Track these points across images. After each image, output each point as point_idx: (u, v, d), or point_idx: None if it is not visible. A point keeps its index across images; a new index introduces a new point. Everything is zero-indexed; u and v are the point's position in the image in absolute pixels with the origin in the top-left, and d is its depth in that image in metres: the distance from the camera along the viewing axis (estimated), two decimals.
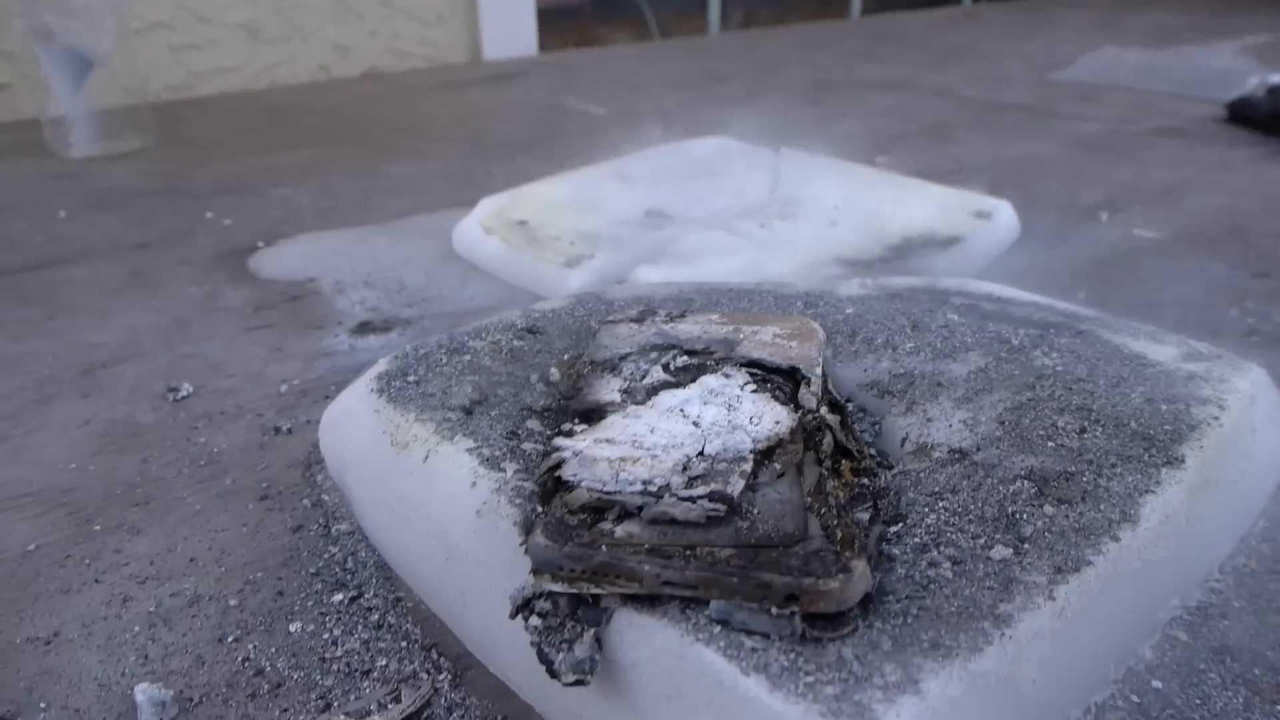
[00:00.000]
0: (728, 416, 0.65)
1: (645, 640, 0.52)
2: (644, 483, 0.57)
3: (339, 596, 0.71)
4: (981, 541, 0.57)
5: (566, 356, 0.80)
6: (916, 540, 0.57)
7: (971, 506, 0.60)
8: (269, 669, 0.65)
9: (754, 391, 0.69)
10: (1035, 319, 0.85)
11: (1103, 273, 1.30)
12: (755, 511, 0.56)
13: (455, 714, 0.61)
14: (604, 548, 0.54)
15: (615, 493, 0.57)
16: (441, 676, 0.64)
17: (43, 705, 0.62)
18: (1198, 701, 0.61)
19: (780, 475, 0.60)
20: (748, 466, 0.59)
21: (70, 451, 0.90)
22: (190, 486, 0.84)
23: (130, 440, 0.92)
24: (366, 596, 0.71)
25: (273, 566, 0.74)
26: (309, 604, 0.70)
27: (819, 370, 0.72)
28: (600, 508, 0.57)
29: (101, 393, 1.00)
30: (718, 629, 0.51)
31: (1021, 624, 0.51)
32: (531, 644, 0.55)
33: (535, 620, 0.55)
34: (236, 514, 0.81)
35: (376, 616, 0.69)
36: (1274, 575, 0.71)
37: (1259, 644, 0.65)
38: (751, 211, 1.35)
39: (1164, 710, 0.60)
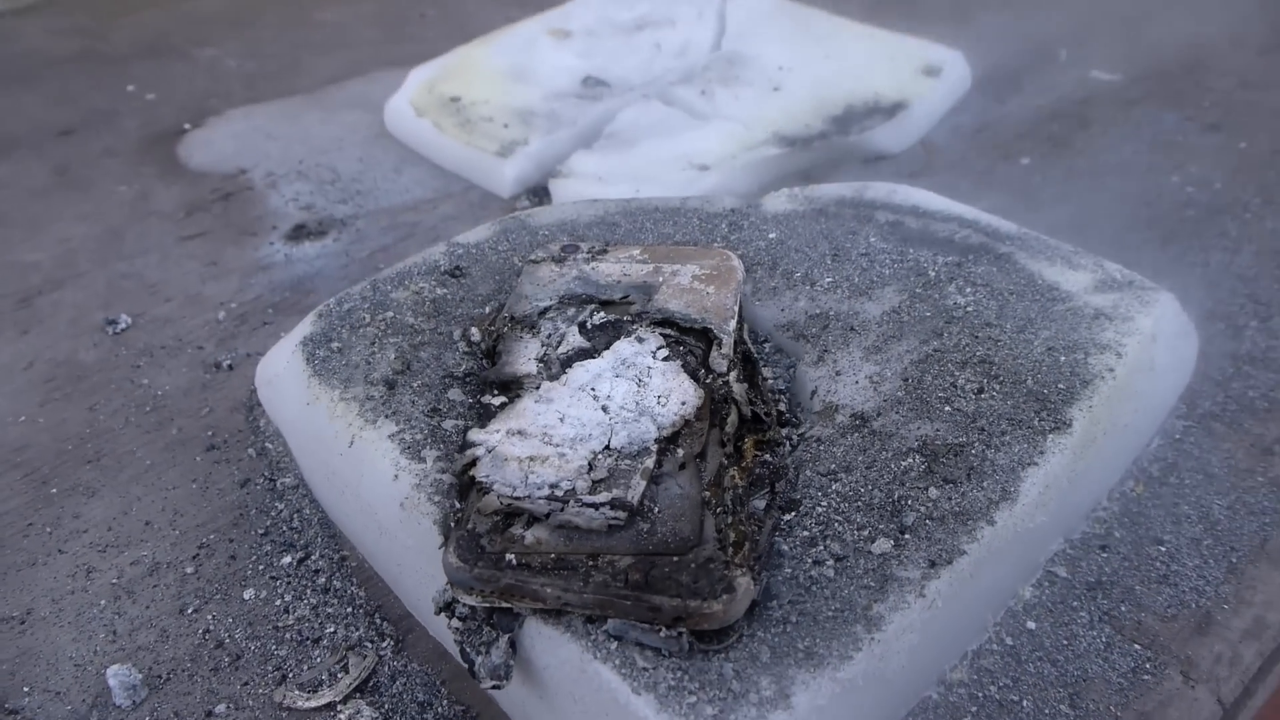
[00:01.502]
0: (636, 396, 0.67)
1: (552, 650, 0.57)
2: (551, 486, 0.60)
3: (288, 559, 0.76)
4: (865, 534, 0.61)
5: (488, 309, 0.81)
6: (806, 534, 0.61)
7: (862, 490, 0.64)
8: (228, 640, 0.71)
9: (666, 359, 0.71)
10: (957, 240, 0.85)
11: (1050, 130, 1.27)
12: (655, 510, 0.60)
13: (399, 681, 0.68)
14: (512, 560, 0.58)
15: (524, 498, 0.60)
16: (385, 644, 0.70)
17: (26, 689, 0.68)
18: (1064, 642, 0.67)
19: (682, 467, 0.63)
20: (650, 462, 0.62)
21: (17, 401, 0.92)
22: (138, 438, 0.88)
23: (75, 385, 0.94)
24: (313, 558, 0.76)
25: (224, 527, 0.79)
26: (260, 568, 0.76)
27: (732, 325, 0.74)
28: (511, 512, 0.61)
29: (41, 327, 1.01)
30: (614, 645, 0.56)
31: (891, 625, 0.56)
32: (455, 642, 0.60)
33: (456, 622, 0.61)
34: (185, 469, 0.84)
35: (324, 580, 0.75)
36: (1156, 501, 0.77)
37: (1130, 577, 0.71)
38: (693, 74, 1.30)
39: (1033, 652, 0.67)
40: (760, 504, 0.64)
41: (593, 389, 0.68)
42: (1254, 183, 1.14)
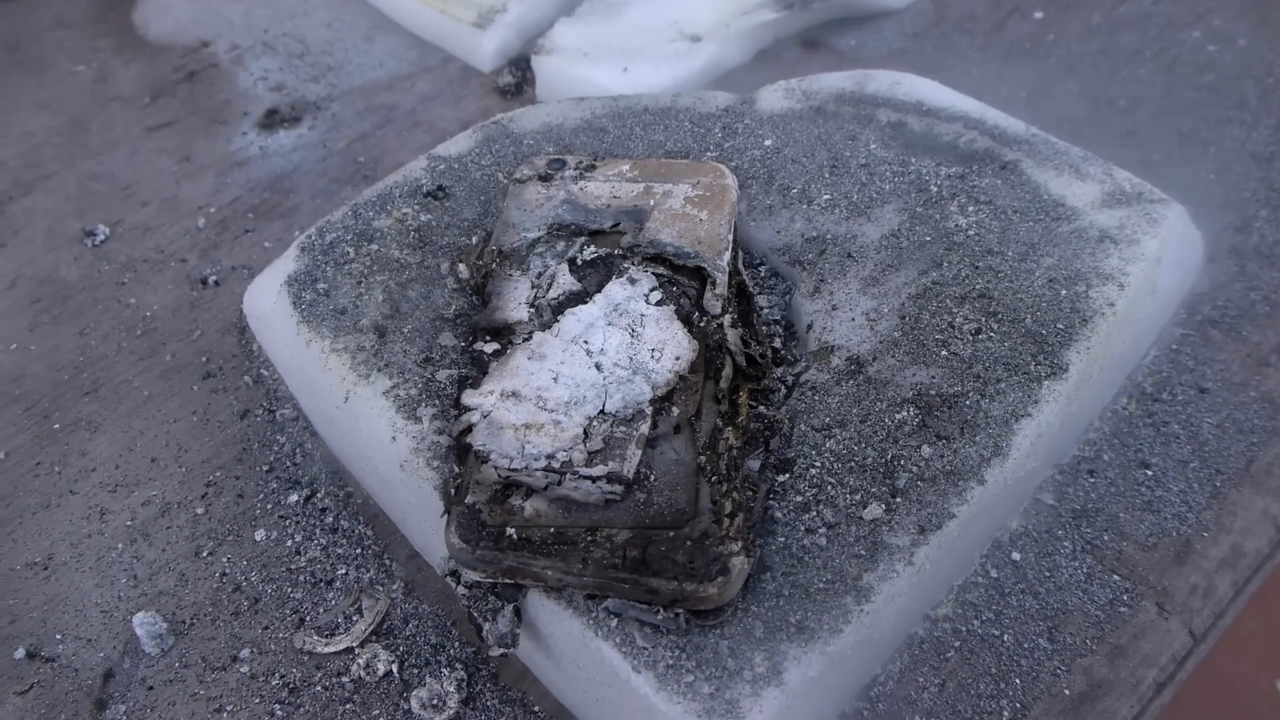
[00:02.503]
0: (630, 350, 0.67)
1: (556, 622, 0.60)
2: (548, 458, 0.61)
3: (294, 497, 0.78)
4: (858, 498, 0.62)
5: (474, 240, 0.79)
6: (800, 498, 0.63)
7: (856, 449, 0.64)
8: (244, 584, 0.74)
9: (659, 303, 0.70)
10: (961, 146, 0.81)
11: None
12: (652, 479, 0.61)
13: (411, 624, 0.71)
14: (512, 535, 0.60)
15: (522, 470, 0.61)
16: (395, 586, 0.73)
17: (58, 637, 0.72)
18: (1047, 573, 0.70)
19: (677, 430, 0.63)
20: (645, 428, 0.63)
21: (6, 325, 0.91)
22: (133, 365, 0.87)
23: (62, 306, 0.92)
24: (319, 496, 0.78)
25: (228, 463, 0.80)
26: (269, 507, 0.78)
27: (726, 259, 0.72)
28: (510, 485, 0.62)
29: (18, 238, 0.99)
30: (614, 622, 0.58)
31: (880, 595, 0.59)
32: (463, 607, 0.63)
33: (462, 589, 0.63)
34: (184, 399, 0.85)
35: (331, 519, 0.77)
36: (1148, 420, 0.78)
37: (1114, 504, 0.73)
38: None
39: (1017, 584, 0.70)
40: (755, 464, 0.65)
41: (585, 341, 0.67)
42: None
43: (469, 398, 0.66)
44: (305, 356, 0.73)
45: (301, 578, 0.74)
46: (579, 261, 0.74)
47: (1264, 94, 1.02)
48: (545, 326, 0.69)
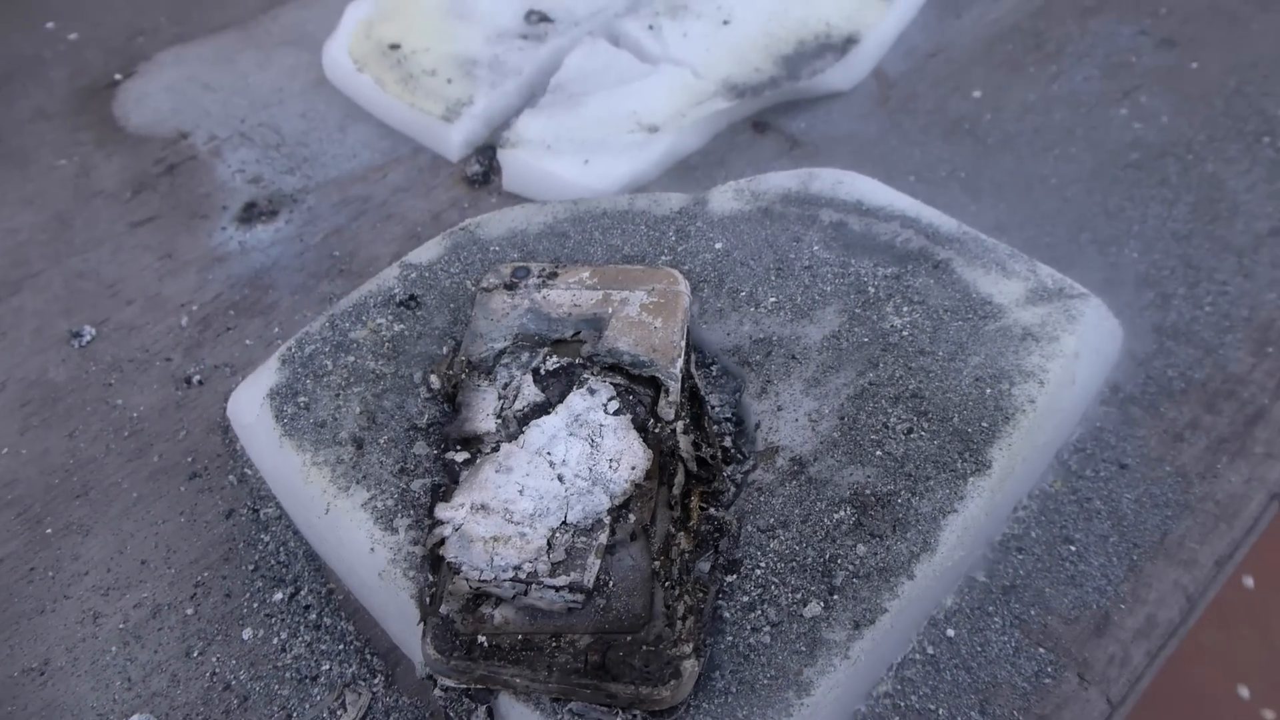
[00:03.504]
0: (590, 461, 0.72)
1: None
2: (515, 569, 0.67)
3: (279, 595, 0.83)
4: (799, 597, 0.68)
5: (445, 350, 0.84)
6: (746, 598, 0.68)
7: (797, 549, 0.70)
8: (234, 682, 0.79)
9: (617, 412, 0.75)
10: (897, 246, 0.88)
11: (1005, 53, 1.25)
12: (610, 585, 0.67)
13: (392, 716, 0.76)
14: (483, 643, 0.65)
15: (491, 580, 0.67)
16: (376, 680, 0.78)
17: None
18: (979, 648, 0.76)
19: (633, 537, 0.69)
20: (603, 538, 0.68)
21: None
22: (122, 467, 0.92)
23: (52, 408, 0.97)
24: (302, 593, 0.83)
25: (215, 563, 0.85)
26: (254, 605, 0.83)
27: (679, 366, 0.78)
28: (480, 595, 0.67)
29: (6, 340, 1.03)
30: None
31: (819, 688, 0.64)
32: (440, 709, 0.68)
33: (439, 691, 0.68)
34: (171, 500, 0.89)
35: (314, 615, 0.82)
36: (1072, 497, 0.84)
37: (1041, 579, 0.79)
38: (640, 3, 1.26)
39: (951, 659, 0.76)
40: (705, 566, 0.71)
41: (549, 453, 0.73)
42: (1200, 115, 1.15)
43: (441, 511, 0.71)
44: (288, 468, 0.79)
45: (288, 675, 0.79)
46: (542, 371, 0.79)
47: (1184, 170, 1.09)
48: (511, 438, 0.75)
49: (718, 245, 0.89)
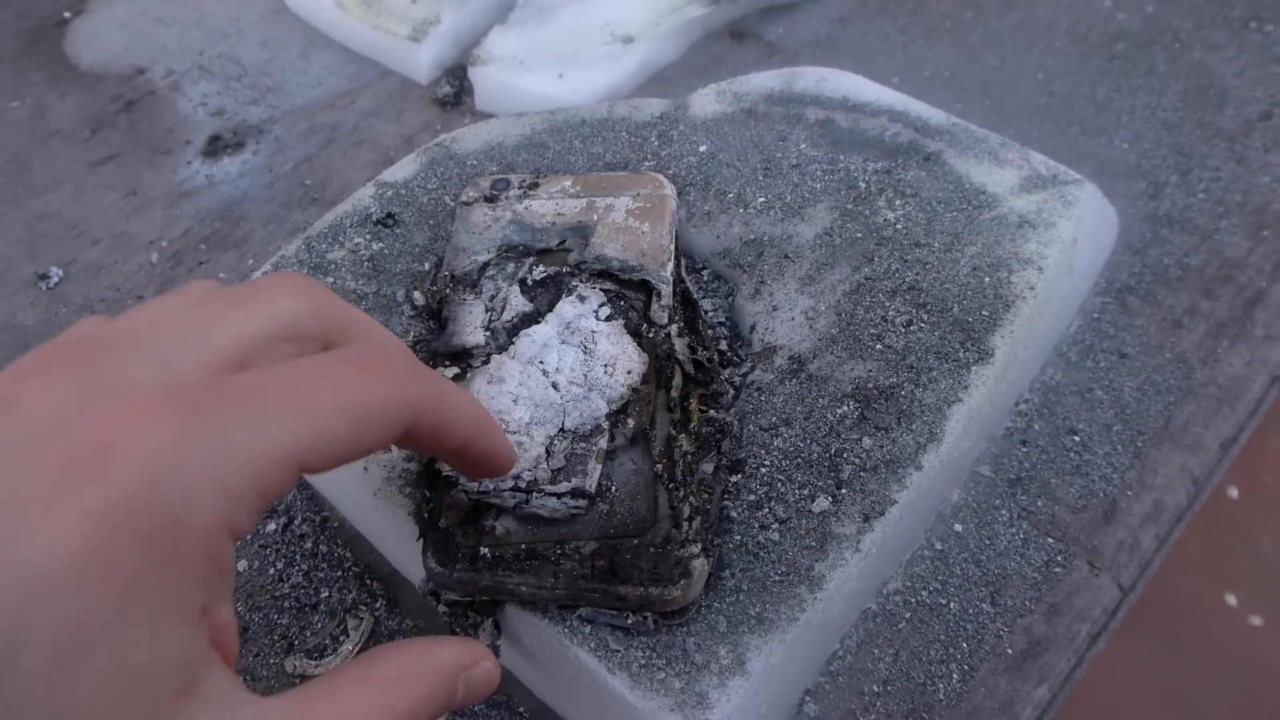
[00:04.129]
0: (584, 368, 0.70)
1: (534, 632, 0.64)
2: (514, 478, 0.65)
3: (272, 525, 0.81)
4: (806, 493, 0.67)
5: (427, 265, 0.81)
6: (752, 497, 0.67)
7: (801, 446, 0.69)
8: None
9: (609, 318, 0.73)
10: (886, 140, 0.85)
11: None
12: (613, 490, 0.65)
13: (396, 640, 0.75)
14: (486, 554, 0.63)
15: (490, 492, 0.65)
16: (378, 605, 0.77)
17: None
18: (987, 541, 0.75)
19: (633, 441, 0.67)
20: (603, 443, 0.66)
21: None
22: None
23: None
24: (296, 523, 0.81)
25: None
26: (248, 537, 0.81)
27: (669, 270, 0.76)
28: (483, 508, 0.65)
29: None
30: (588, 629, 0.62)
31: (831, 582, 0.63)
32: (445, 624, 0.67)
33: (443, 607, 0.67)
34: None
35: (310, 544, 0.80)
36: (1073, 388, 0.83)
37: (1046, 470, 0.79)
38: None
39: (960, 554, 0.75)
40: (709, 468, 0.69)
41: (541, 362, 0.71)
42: (1185, 3, 1.12)
43: None
44: None
45: (286, 604, 0.77)
46: (529, 281, 0.77)
47: (1171, 59, 1.07)
48: (501, 349, 0.73)
49: (702, 148, 0.87)
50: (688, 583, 0.61)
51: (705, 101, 0.91)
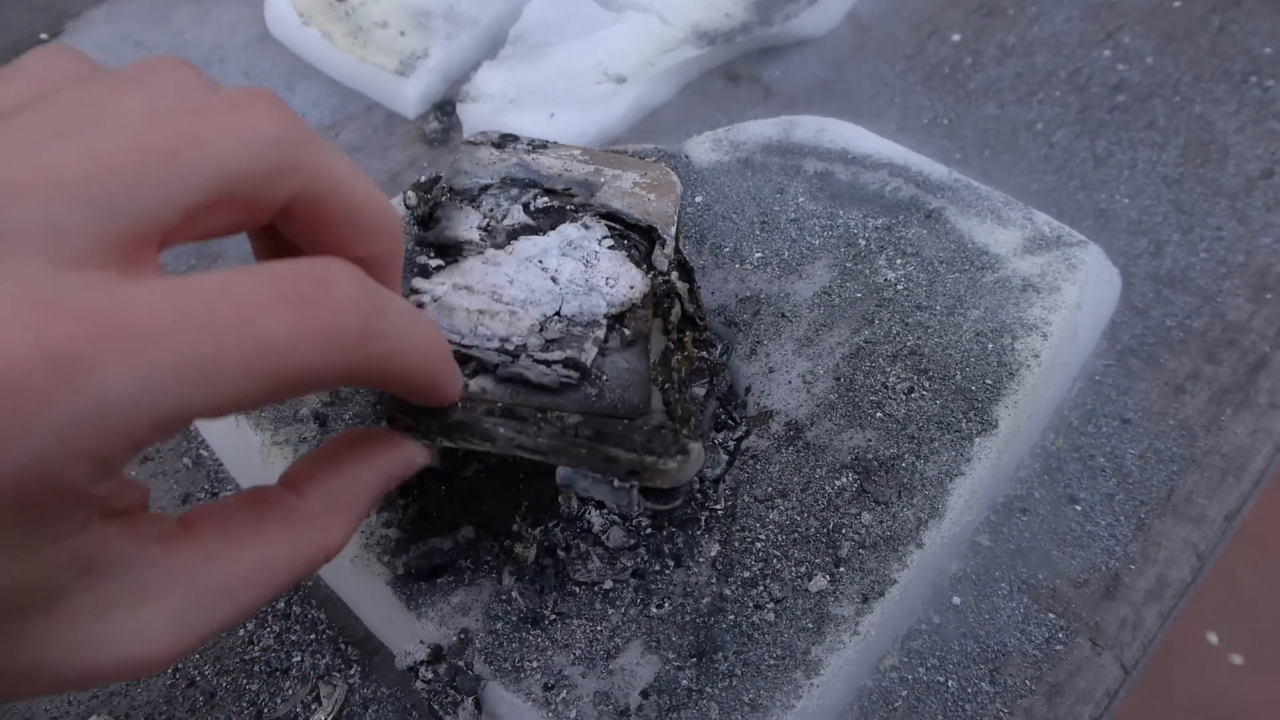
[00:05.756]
0: (584, 274, 0.65)
1: (516, 714, 0.61)
2: (501, 340, 0.59)
3: None
4: (803, 570, 0.64)
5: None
6: (747, 574, 0.64)
7: (799, 520, 0.66)
8: (198, 678, 0.73)
9: (611, 248, 0.68)
10: (887, 195, 0.83)
11: None
12: (605, 379, 0.60)
13: (371, 709, 0.72)
14: (460, 404, 0.56)
15: (473, 347, 0.58)
16: (352, 671, 0.73)
17: None
18: (986, 616, 0.73)
19: (630, 343, 0.63)
20: (601, 333, 0.61)
21: None
22: None
23: None
24: None
25: None
26: None
27: (673, 231, 0.71)
28: (458, 359, 0.57)
29: None
30: (574, 714, 0.59)
31: (829, 667, 0.61)
32: (423, 700, 0.64)
33: (421, 684, 0.63)
34: None
35: (282, 604, 0.77)
36: (1075, 454, 0.81)
37: (1047, 541, 0.76)
38: None
39: (958, 628, 0.72)
40: (700, 391, 0.65)
41: (540, 261, 0.66)
42: (1185, 55, 1.11)
43: (418, 282, 0.62)
44: (246, 449, 0.73)
45: (256, 668, 0.73)
46: (532, 207, 0.71)
47: (1172, 113, 1.05)
48: (499, 247, 0.66)
49: (698, 199, 0.84)
50: (684, 460, 0.56)
51: (701, 150, 0.88)
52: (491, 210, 0.70)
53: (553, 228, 0.69)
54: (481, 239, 0.67)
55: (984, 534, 0.76)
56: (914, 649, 0.71)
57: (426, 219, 0.71)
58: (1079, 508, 0.77)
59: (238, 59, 1.18)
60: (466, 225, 0.68)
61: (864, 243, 0.79)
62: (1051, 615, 0.72)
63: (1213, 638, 2.01)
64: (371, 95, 1.11)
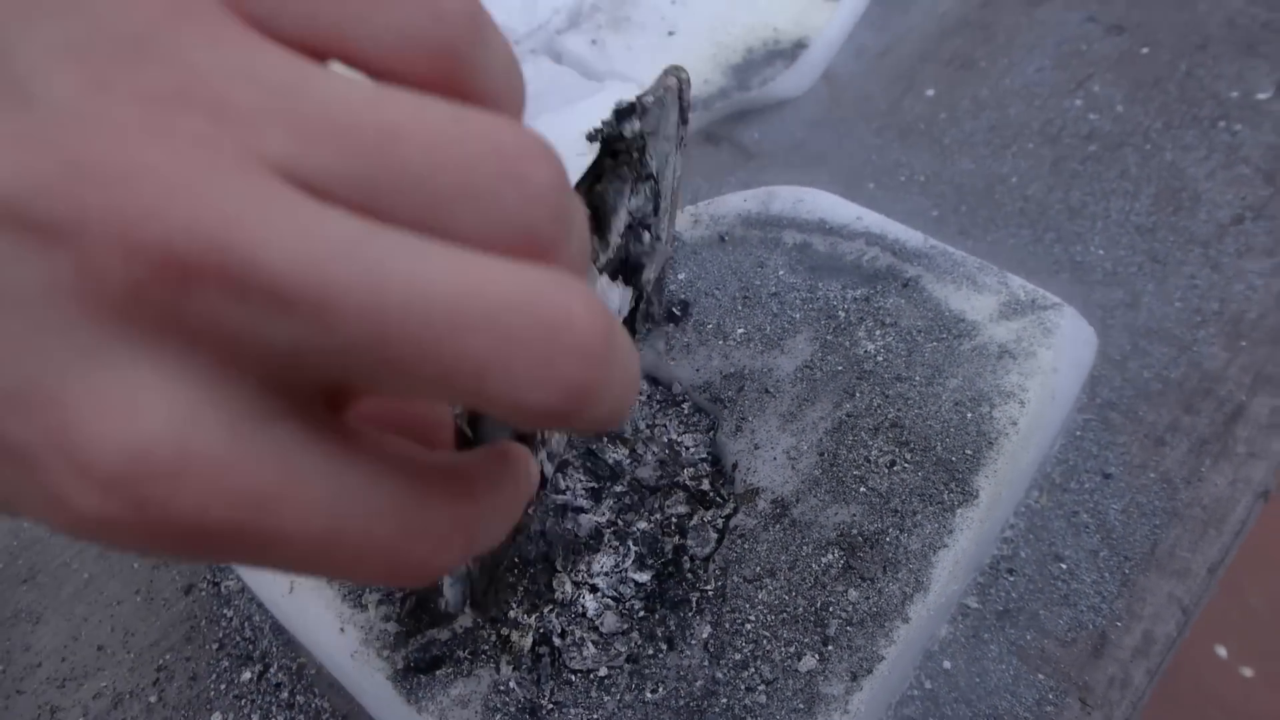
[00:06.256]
0: None
1: None
2: None
3: (247, 674, 0.79)
4: (792, 650, 0.65)
5: None
6: (738, 656, 0.66)
7: (787, 599, 0.68)
8: None
9: None
10: (864, 266, 0.85)
11: (954, 48, 1.23)
12: None
13: None
14: None
15: None
16: None
17: None
18: (977, 679, 0.74)
19: None
20: None
21: None
22: (69, 547, 0.87)
23: None
24: (272, 671, 0.79)
25: (178, 644, 0.81)
26: (222, 687, 0.78)
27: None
28: None
29: None
30: None
31: None
32: None
33: None
34: (125, 579, 0.85)
35: (286, 694, 0.78)
36: (1059, 511, 0.82)
37: (1034, 601, 0.78)
38: (580, 16, 1.22)
39: (950, 693, 0.74)
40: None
41: None
42: (1155, 102, 1.13)
43: None
44: None
45: None
46: None
47: (1143, 161, 1.08)
48: None
49: (680, 276, 0.86)
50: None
51: (681, 225, 0.91)
52: None
53: None
54: None
55: (972, 596, 0.77)
56: (907, 716, 0.72)
57: None
58: (1064, 565, 0.79)
59: None
60: None
61: (844, 314, 0.81)
62: (1041, 676, 0.74)
63: (1222, 651, 2.01)
64: None
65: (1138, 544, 0.80)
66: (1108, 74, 1.17)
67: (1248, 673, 1.96)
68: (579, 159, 1.07)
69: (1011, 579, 0.78)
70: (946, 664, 0.75)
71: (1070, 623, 0.76)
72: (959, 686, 0.73)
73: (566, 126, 1.09)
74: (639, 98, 0.61)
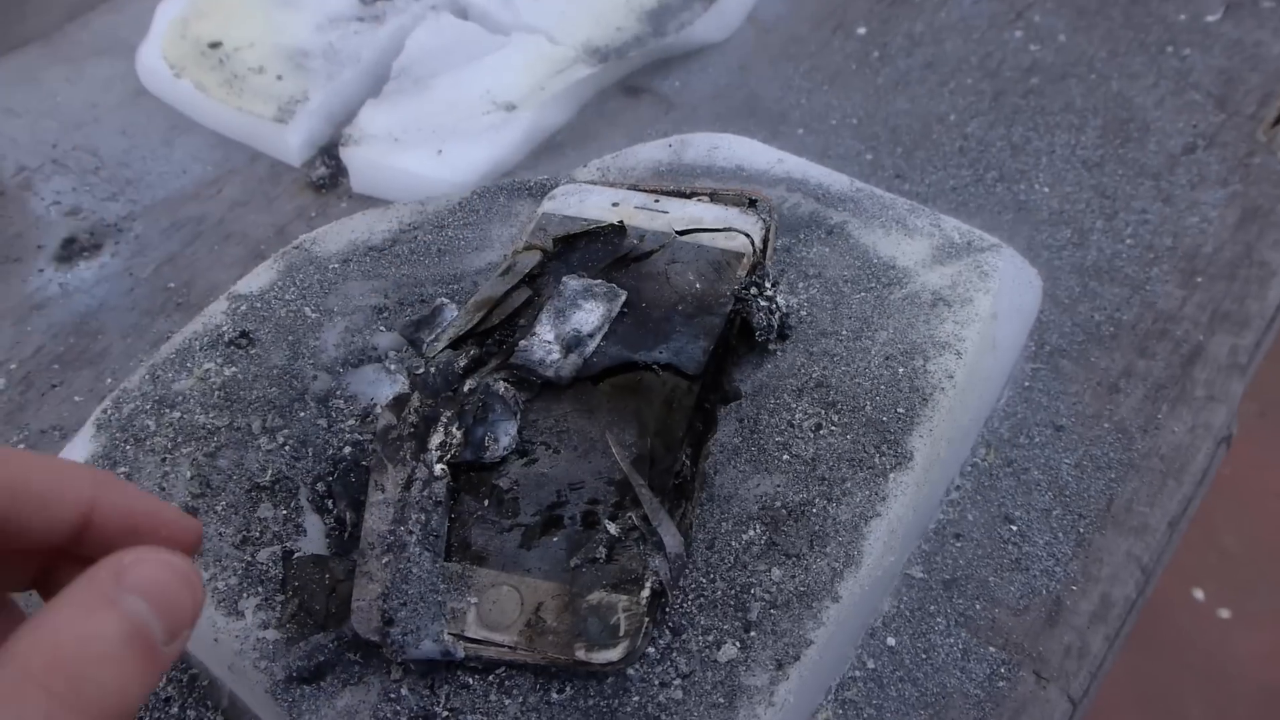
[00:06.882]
0: None
1: None
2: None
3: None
4: (711, 639, 0.59)
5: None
6: (651, 648, 0.59)
7: (704, 583, 0.61)
8: None
9: None
10: (785, 214, 0.78)
11: None
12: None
13: None
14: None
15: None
16: None
17: None
18: (923, 655, 0.68)
19: None
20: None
21: None
22: None
23: None
24: (160, 684, 0.72)
25: None
26: None
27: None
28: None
29: None
30: None
31: None
32: None
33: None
34: None
35: (176, 709, 0.70)
36: (1008, 469, 0.76)
37: (984, 567, 0.72)
38: None
39: (894, 672, 0.67)
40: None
41: None
42: (1098, 29, 1.07)
43: None
44: None
45: None
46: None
47: (1088, 92, 1.01)
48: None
49: None
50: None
51: (589, 179, 0.83)
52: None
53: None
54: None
55: (916, 565, 0.71)
56: (849, 699, 0.66)
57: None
58: (1015, 527, 0.73)
59: (113, 118, 1.11)
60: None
61: None
62: (992, 649, 0.68)
63: (1199, 594, 1.98)
64: (253, 145, 1.05)
65: (1093, 500, 0.74)
66: (1048, 2, 1.11)
67: (1225, 614, 1.93)
68: (485, 117, 0.99)
69: (959, 544, 0.72)
70: (891, 640, 0.69)
71: (1022, 589, 0.70)
72: (904, 664, 0.67)
73: (469, 84, 1.01)
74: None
